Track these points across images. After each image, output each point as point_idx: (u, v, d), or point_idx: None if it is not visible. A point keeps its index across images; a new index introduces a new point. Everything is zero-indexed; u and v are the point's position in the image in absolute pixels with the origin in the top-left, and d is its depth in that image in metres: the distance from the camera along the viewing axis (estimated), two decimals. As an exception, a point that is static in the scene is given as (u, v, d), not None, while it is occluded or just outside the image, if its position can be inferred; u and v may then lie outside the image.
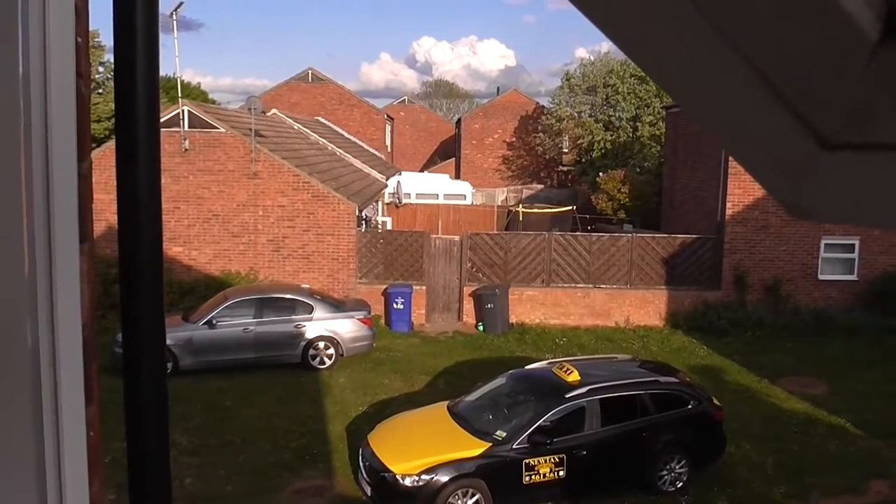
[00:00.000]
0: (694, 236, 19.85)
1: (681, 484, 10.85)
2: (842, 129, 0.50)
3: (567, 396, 10.49)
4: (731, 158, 19.14)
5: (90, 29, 1.02)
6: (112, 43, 0.94)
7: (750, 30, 0.47)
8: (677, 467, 10.84)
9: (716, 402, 11.47)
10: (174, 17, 19.14)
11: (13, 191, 0.82)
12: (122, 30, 0.92)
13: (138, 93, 0.93)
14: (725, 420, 11.37)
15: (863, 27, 0.44)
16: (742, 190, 19.17)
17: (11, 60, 0.81)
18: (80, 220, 0.91)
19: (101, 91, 38.94)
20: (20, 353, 0.85)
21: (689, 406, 11.07)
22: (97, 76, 39.50)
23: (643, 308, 19.40)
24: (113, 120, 0.98)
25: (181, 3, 19.10)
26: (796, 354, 16.86)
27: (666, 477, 10.80)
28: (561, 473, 10.07)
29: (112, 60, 0.96)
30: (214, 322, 15.18)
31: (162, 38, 0.97)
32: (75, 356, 0.91)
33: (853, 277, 19.52)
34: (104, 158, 15.65)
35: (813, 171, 0.52)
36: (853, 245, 19.44)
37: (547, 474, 10.01)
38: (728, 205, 19.54)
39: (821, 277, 19.51)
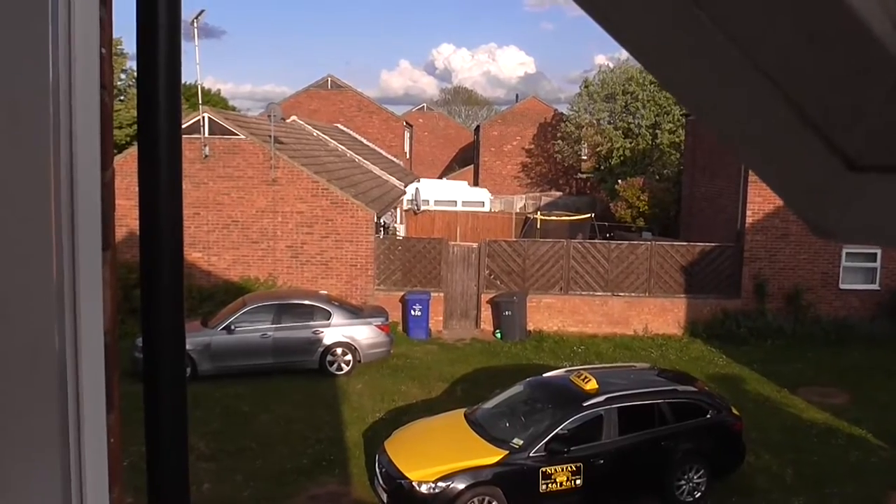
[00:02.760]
0: (713, 244, 19.74)
1: (699, 494, 10.77)
2: (868, 151, 0.50)
3: (585, 405, 10.45)
4: (739, 160, 19.20)
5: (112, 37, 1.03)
6: (134, 50, 0.95)
7: (776, 53, 0.47)
8: (695, 477, 10.76)
9: (735, 411, 11.38)
10: (195, 24, 19.30)
11: (40, 200, 0.83)
12: (144, 38, 0.93)
13: (160, 100, 0.94)
14: (744, 429, 11.29)
15: (890, 50, 0.44)
16: (762, 198, 19.04)
17: (40, 72, 0.82)
18: (103, 228, 0.92)
19: (122, 98, 39.28)
20: (46, 360, 0.86)
21: (708, 415, 10.99)
22: (119, 83, 39.86)
23: (662, 316, 19.30)
24: (134, 126, 0.99)
25: (202, 11, 19.28)
26: (817, 364, 16.71)
27: (684, 487, 10.73)
28: (578, 482, 10.02)
29: (133, 68, 0.97)
30: (233, 327, 15.25)
31: (183, 45, 0.98)
32: (97, 363, 0.91)
33: (875, 286, 19.33)
34: (125, 165, 15.78)
35: (838, 192, 0.52)
36: (875, 254, 19.25)
37: (564, 483, 9.97)
38: (748, 213, 19.42)
39: (842, 286, 19.33)
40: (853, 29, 0.44)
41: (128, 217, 14.12)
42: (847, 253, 19.22)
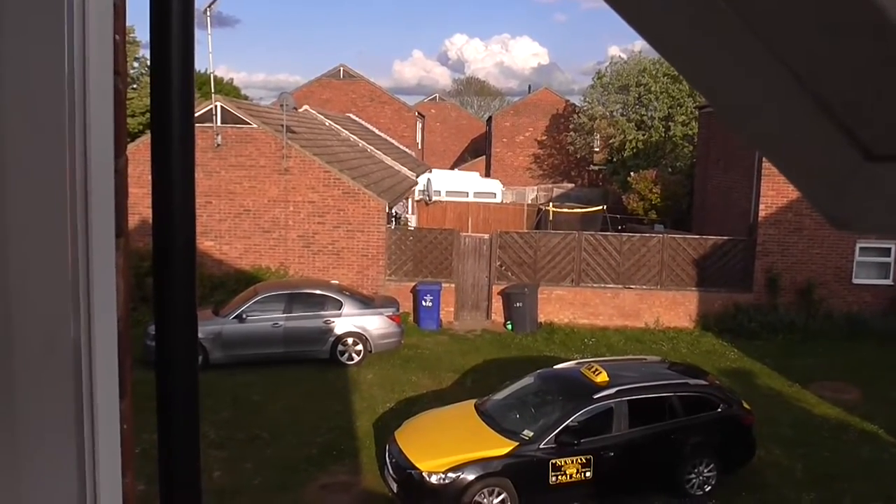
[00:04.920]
0: (726, 238, 19.66)
1: (709, 488, 10.76)
2: (886, 141, 0.49)
3: (595, 397, 10.45)
4: (765, 159, 18.95)
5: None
6: (147, 38, 0.95)
7: (796, 42, 0.47)
8: (705, 471, 10.75)
9: (746, 405, 11.35)
10: (209, 13, 19.32)
11: (55, 187, 0.84)
12: (158, 26, 0.93)
13: (174, 89, 0.94)
14: (755, 424, 11.26)
15: None
16: (775, 192, 18.94)
17: (55, 59, 0.82)
18: (116, 216, 0.92)
19: (135, 86, 39.39)
20: (62, 347, 0.86)
21: (719, 409, 10.97)
22: (132, 71, 39.96)
23: (673, 309, 19.26)
24: (146, 115, 0.99)
25: (215, 0, 19.26)
26: (829, 359, 16.64)
27: (694, 480, 10.72)
28: (588, 474, 10.03)
29: (146, 56, 0.97)
30: (244, 316, 15.30)
31: (196, 33, 0.98)
32: (111, 350, 0.92)
33: (888, 282, 19.23)
34: (137, 153, 15.84)
35: (856, 181, 0.52)
36: (889, 249, 19.14)
37: (574, 475, 9.98)
38: (761, 206, 19.33)
39: (855, 281, 19.23)
40: (875, 19, 0.43)
41: (140, 205, 14.13)
42: (860, 248, 19.11)
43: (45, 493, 0.88)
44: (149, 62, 0.98)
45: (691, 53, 0.52)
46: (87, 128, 0.85)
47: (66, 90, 0.83)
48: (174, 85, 0.94)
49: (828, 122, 0.50)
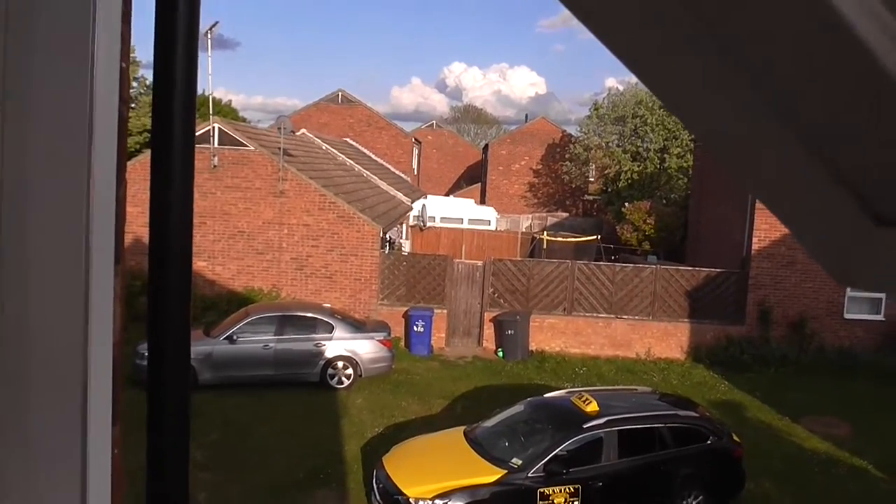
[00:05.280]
0: (719, 270, 19.70)
1: (698, 520, 10.70)
2: None
3: (585, 426, 10.41)
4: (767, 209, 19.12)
5: None
6: (145, 58, 0.96)
7: (807, 109, 0.48)
8: (694, 503, 10.69)
9: (735, 438, 11.32)
10: (209, 35, 19.42)
11: (63, 215, 0.85)
12: (162, 48, 0.94)
13: (175, 112, 0.95)
14: (745, 457, 11.22)
15: None
16: (769, 225, 19.01)
17: (73, 89, 0.83)
18: (115, 243, 0.93)
19: (133, 106, 39.49)
20: (73, 375, 0.87)
21: (709, 441, 10.94)
22: (130, 91, 40.01)
23: (665, 340, 19.25)
24: (143, 134, 1.00)
25: (216, 23, 19.40)
26: (820, 393, 16.62)
27: (683, 513, 10.66)
28: (576, 504, 9.97)
29: (145, 75, 0.98)
30: (235, 337, 15.24)
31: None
32: (105, 375, 0.92)
33: (880, 317, 19.26)
34: (133, 172, 15.84)
35: (866, 246, 0.52)
36: (880, 285, 19.17)
37: (562, 505, 9.91)
38: (754, 239, 19.40)
39: (847, 316, 19.26)
40: (889, 90, 0.44)
41: (134, 223, 14.11)
42: (852, 283, 19.14)
43: None
44: (147, 82, 0.99)
45: (700, 113, 0.53)
46: (93, 158, 0.86)
47: (80, 120, 0.84)
48: (176, 108, 0.95)
49: (840, 187, 0.50)
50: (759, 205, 19.01)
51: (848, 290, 19.12)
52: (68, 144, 0.84)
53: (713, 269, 19.75)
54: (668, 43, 0.50)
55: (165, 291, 0.99)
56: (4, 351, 0.84)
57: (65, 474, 0.88)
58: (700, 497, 10.71)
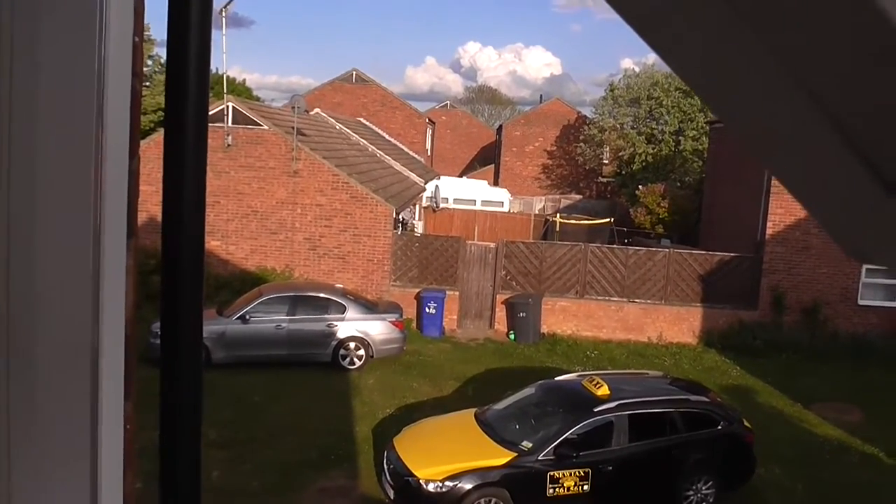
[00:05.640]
0: (732, 254, 19.62)
1: (707, 505, 10.72)
2: None
3: (595, 410, 10.42)
4: (774, 178, 18.95)
5: None
6: (160, 36, 0.96)
7: (824, 73, 0.46)
8: (704, 488, 10.71)
9: (746, 423, 11.31)
10: (224, 13, 19.39)
11: (79, 190, 0.84)
12: (175, 27, 0.94)
13: (189, 90, 0.94)
14: (756, 442, 11.22)
15: None
16: (784, 210, 18.91)
17: (81, 62, 0.83)
18: (128, 217, 0.93)
19: (147, 84, 39.54)
20: (83, 349, 0.87)
21: (719, 426, 10.94)
22: (145, 69, 40.06)
23: (677, 324, 19.22)
24: (158, 113, 1.00)
25: (230, 0, 19.34)
26: (832, 380, 16.57)
27: (692, 497, 10.68)
28: (585, 487, 10.00)
29: (160, 54, 0.97)
30: (248, 317, 15.31)
31: (211, 33, 0.98)
32: (118, 351, 0.92)
33: (894, 304, 19.15)
34: (148, 150, 15.89)
35: (878, 216, 0.51)
36: (896, 271, 19.09)
37: (571, 488, 9.95)
38: (769, 224, 19.29)
39: (861, 302, 19.16)
40: None
41: (148, 202, 14.16)
42: (867, 269, 19.04)
43: (60, 490, 0.88)
44: (163, 60, 0.98)
45: (712, 78, 0.52)
46: (105, 130, 0.86)
47: (90, 93, 0.83)
48: (190, 85, 0.94)
49: (851, 155, 0.50)
50: (773, 189, 18.91)
51: (863, 276, 19.04)
52: (78, 115, 0.84)
53: (727, 254, 19.67)
54: (691, 18, 0.49)
55: (178, 270, 0.98)
56: (14, 324, 0.84)
57: (75, 447, 0.88)
58: (710, 482, 10.72)
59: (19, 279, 0.84)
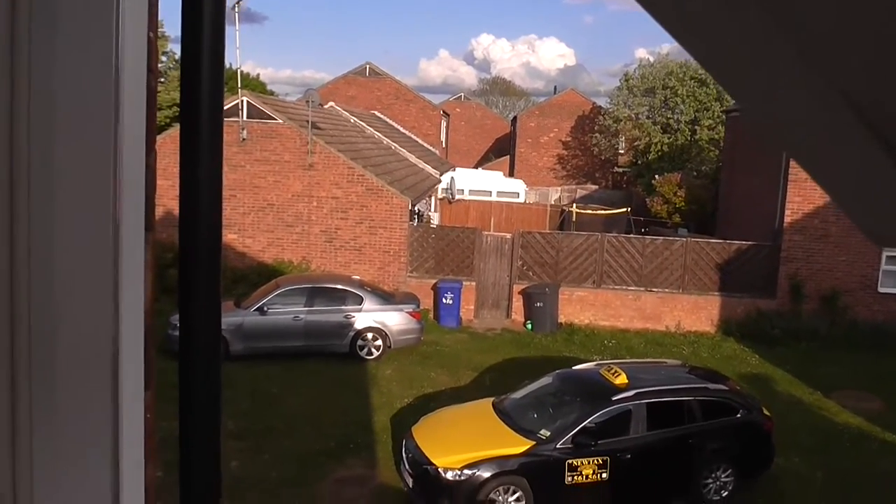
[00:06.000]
0: (750, 243, 19.50)
1: (726, 493, 10.69)
2: None
3: (614, 399, 10.41)
4: (791, 165, 18.61)
5: None
6: (175, 32, 0.97)
7: (845, 61, 0.47)
8: (723, 476, 10.68)
9: (766, 411, 11.26)
10: (237, 9, 19.44)
11: (97, 184, 0.86)
12: (190, 22, 0.95)
13: (203, 85, 0.95)
14: (775, 431, 11.17)
15: None
16: (802, 198, 18.76)
17: (98, 58, 0.84)
18: (146, 210, 0.94)
19: (162, 80, 39.67)
20: (103, 340, 0.88)
21: (738, 415, 10.90)
22: (159, 66, 40.16)
23: (695, 313, 19.13)
24: (173, 108, 1.01)
25: (244, -6, 19.37)
26: (852, 368, 16.46)
27: (711, 485, 10.65)
28: (604, 476, 10.00)
29: (174, 50, 0.99)
30: (266, 309, 15.38)
31: (225, 29, 0.99)
32: (137, 342, 0.94)
33: (915, 291, 18.98)
34: (163, 145, 15.93)
35: None
36: (916, 258, 18.90)
37: (590, 476, 9.95)
38: (787, 212, 19.14)
39: (881, 290, 18.99)
40: None
41: (165, 197, 14.24)
42: (887, 256, 18.86)
43: (83, 478, 0.90)
44: (177, 56, 1.00)
45: (737, 68, 0.52)
46: (122, 126, 0.87)
47: (108, 89, 0.85)
48: (204, 80, 0.95)
49: (873, 142, 0.50)
50: (791, 177, 18.76)
51: (883, 264, 18.87)
52: (95, 111, 0.85)
53: (744, 242, 19.55)
54: (714, 5, 0.49)
55: (196, 263, 1.00)
56: (36, 317, 0.86)
57: (97, 437, 0.90)
58: (729, 470, 10.69)
59: (40, 273, 0.85)
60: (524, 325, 18.93)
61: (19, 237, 0.84)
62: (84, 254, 0.86)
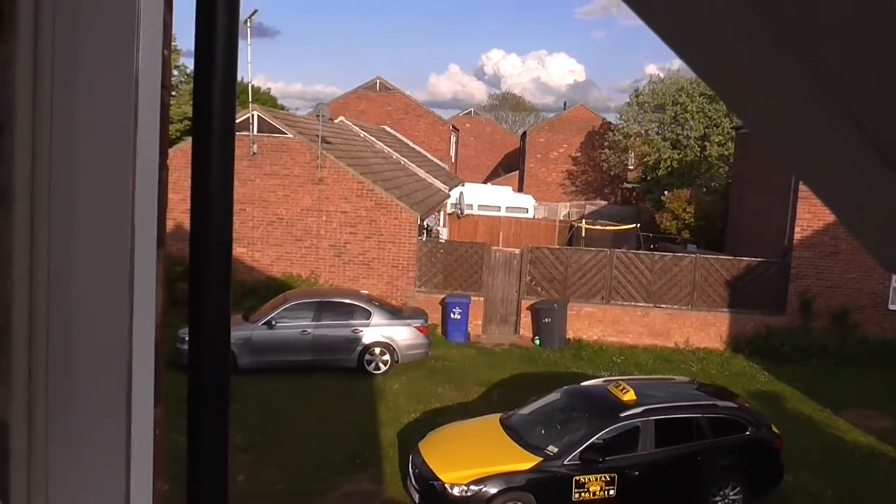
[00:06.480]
0: (759, 259, 19.44)
1: (735, 512, 10.62)
2: None
3: (622, 415, 10.37)
4: (801, 181, 18.66)
5: None
6: (186, 46, 0.98)
7: (859, 92, 0.47)
8: (731, 494, 10.61)
9: (775, 429, 11.20)
10: (249, 23, 19.57)
11: (115, 200, 0.87)
12: (203, 37, 0.95)
13: (215, 100, 0.96)
14: (784, 448, 11.10)
15: None
16: (811, 214, 18.71)
17: (119, 75, 0.85)
18: (157, 227, 0.95)
19: (173, 94, 39.90)
20: (119, 355, 0.89)
21: (747, 432, 10.83)
22: (171, 79, 40.43)
23: (704, 330, 19.07)
24: (184, 122, 1.02)
25: (255, 11, 19.52)
26: (862, 385, 16.35)
27: (719, 503, 10.58)
28: (611, 493, 9.95)
29: (185, 64, 0.99)
30: (274, 323, 15.40)
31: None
32: (148, 358, 0.94)
33: (926, 309, 18.88)
34: (174, 159, 15.99)
35: None
36: (926, 276, 18.80)
37: (597, 493, 9.90)
38: (797, 229, 19.10)
39: (891, 307, 18.90)
40: None
41: (175, 210, 14.29)
42: (897, 273, 18.78)
43: (97, 492, 0.90)
44: (188, 70, 1.01)
45: (745, 92, 0.53)
46: (137, 141, 0.88)
47: (129, 106, 0.86)
48: (216, 95, 0.96)
49: (883, 167, 0.50)
50: (801, 193, 18.71)
51: (893, 281, 18.78)
52: (114, 130, 0.86)
53: (754, 259, 19.50)
54: (719, 26, 0.50)
55: (206, 277, 1.00)
56: (53, 334, 0.87)
57: (109, 455, 0.90)
58: (738, 488, 10.62)
59: (58, 290, 0.86)
60: (532, 340, 18.89)
61: (39, 253, 0.85)
62: (102, 270, 0.87)
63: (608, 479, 9.92)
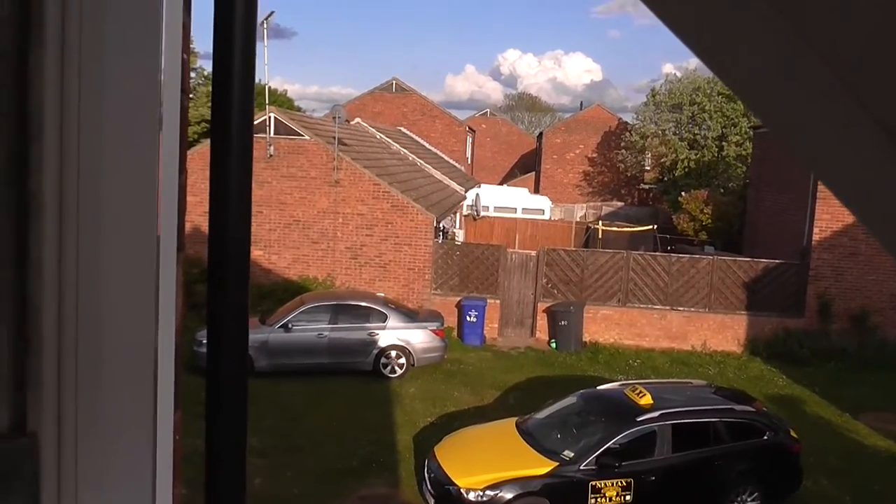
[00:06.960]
0: (778, 261, 19.31)
1: (753, 516, 10.54)
2: None
3: (638, 420, 10.32)
4: (820, 182, 18.46)
5: None
6: (203, 49, 0.98)
7: (880, 89, 0.46)
8: (749, 499, 10.53)
9: (793, 433, 11.11)
10: (265, 25, 19.64)
11: (133, 205, 0.87)
12: (222, 39, 0.95)
13: (234, 102, 0.95)
14: (803, 453, 11.01)
15: None
16: (830, 215, 18.56)
17: (145, 80, 0.85)
18: (177, 231, 0.95)
19: (191, 96, 40.14)
20: (145, 360, 0.89)
21: (765, 436, 10.75)
22: (189, 82, 40.69)
23: (721, 333, 18.95)
24: (201, 124, 1.02)
25: (272, 13, 19.61)
26: (882, 389, 16.19)
27: (738, 508, 10.51)
28: (628, 498, 9.89)
29: (203, 66, 0.99)
30: (290, 326, 15.44)
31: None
32: (169, 361, 0.94)
33: (946, 312, 18.68)
34: (192, 161, 16.11)
35: None
36: (947, 278, 18.61)
37: (613, 498, 9.85)
38: (815, 230, 18.96)
39: (911, 310, 18.73)
40: None
41: (192, 213, 14.31)
42: (918, 276, 18.61)
43: (124, 498, 0.91)
44: (206, 72, 1.00)
45: (766, 92, 0.52)
46: (160, 146, 0.88)
47: (154, 111, 0.86)
48: (235, 97, 0.96)
49: None
50: (820, 194, 18.57)
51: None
52: (140, 136, 0.86)
53: (772, 261, 19.36)
54: (735, 22, 0.49)
55: (224, 280, 1.00)
56: (80, 342, 0.87)
57: (137, 461, 0.91)
58: (755, 493, 10.54)
59: (87, 297, 0.87)
60: (548, 343, 18.84)
61: (67, 260, 0.85)
62: (129, 277, 0.87)
63: (624, 484, 9.87)
